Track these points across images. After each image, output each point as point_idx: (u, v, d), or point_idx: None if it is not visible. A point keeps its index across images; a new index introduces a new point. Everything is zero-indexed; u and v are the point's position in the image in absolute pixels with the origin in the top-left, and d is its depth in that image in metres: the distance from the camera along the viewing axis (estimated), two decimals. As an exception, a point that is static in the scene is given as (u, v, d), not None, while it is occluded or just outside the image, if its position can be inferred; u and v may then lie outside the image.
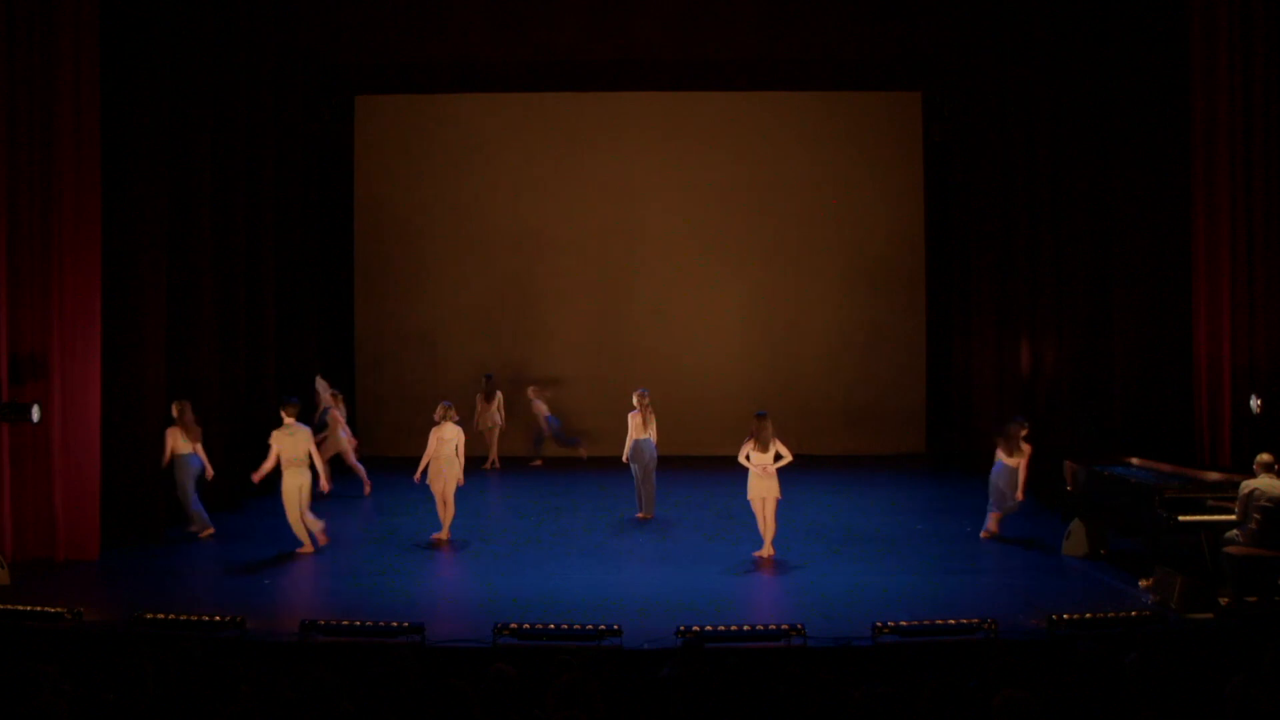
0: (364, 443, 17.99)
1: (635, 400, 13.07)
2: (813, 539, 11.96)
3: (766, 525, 11.24)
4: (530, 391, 17.29)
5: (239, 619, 8.76)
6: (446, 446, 11.99)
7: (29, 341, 10.97)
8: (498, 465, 16.97)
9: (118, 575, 10.88)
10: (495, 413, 17.00)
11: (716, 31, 16.41)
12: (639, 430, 12.99)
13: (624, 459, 13.16)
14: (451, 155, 18.12)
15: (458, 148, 18.14)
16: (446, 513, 12.07)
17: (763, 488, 11.19)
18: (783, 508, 11.37)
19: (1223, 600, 9.19)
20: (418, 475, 12.07)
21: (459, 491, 12.21)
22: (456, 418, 12.16)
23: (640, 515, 13.06)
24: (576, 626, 8.59)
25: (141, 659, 6.55)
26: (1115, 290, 13.02)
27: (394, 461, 16.42)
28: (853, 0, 16.29)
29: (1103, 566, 10.84)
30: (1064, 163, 13.61)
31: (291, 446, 11.36)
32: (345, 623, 8.76)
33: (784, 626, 8.55)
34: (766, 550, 11.23)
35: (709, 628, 8.49)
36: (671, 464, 13.52)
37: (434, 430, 12.00)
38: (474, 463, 15.54)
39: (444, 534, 12.05)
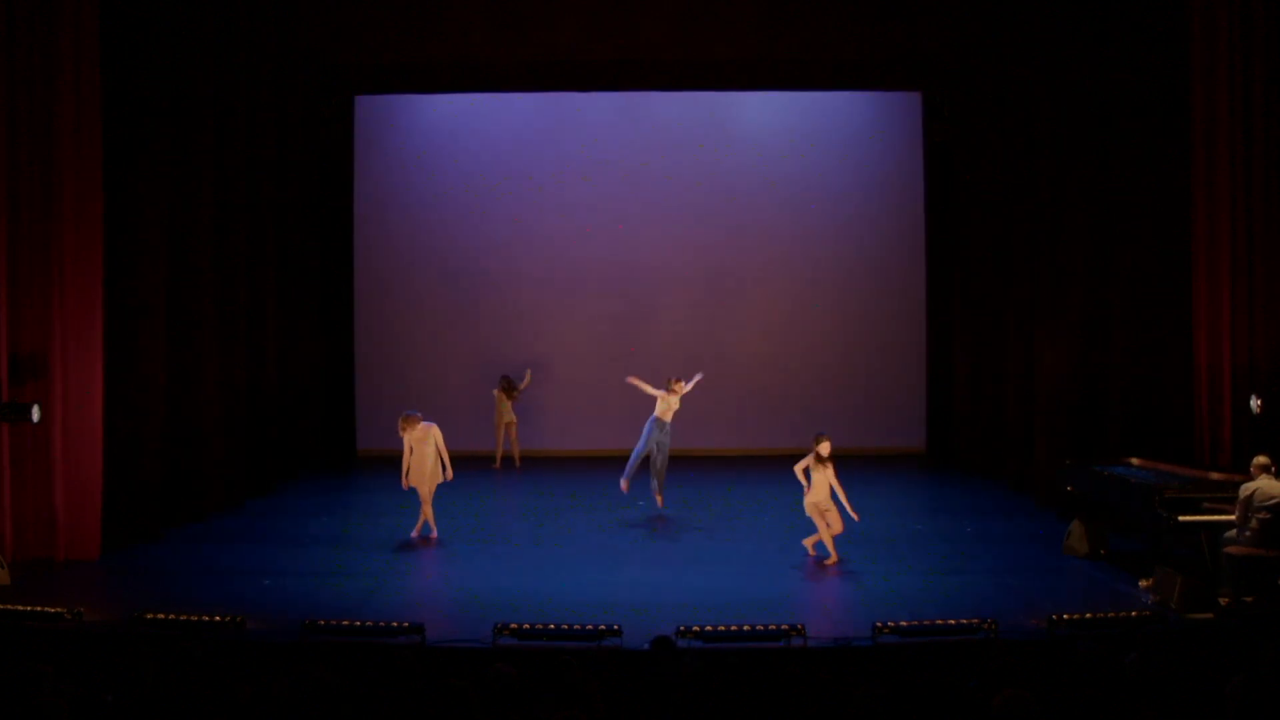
0: (364, 441, 18.06)
1: (666, 391, 13.11)
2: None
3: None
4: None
5: (239, 619, 8.76)
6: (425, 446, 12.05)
7: (29, 341, 10.96)
8: (517, 464, 16.89)
9: (118, 575, 10.87)
10: (511, 410, 16.94)
11: (717, 31, 16.40)
12: (663, 412, 13.03)
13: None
14: (451, 155, 18.12)
15: (458, 148, 18.14)
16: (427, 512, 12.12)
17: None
18: (781, 505, 11.38)
19: (1222, 600, 9.20)
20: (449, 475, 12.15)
21: (461, 490, 12.26)
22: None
23: (656, 496, 13.12)
24: (576, 626, 8.59)
25: (141, 659, 6.56)
26: (1115, 290, 13.01)
27: (394, 460, 16.41)
28: (853, 0, 16.30)
29: (1103, 566, 10.84)
30: (1064, 163, 13.60)
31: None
32: (345, 623, 8.76)
33: (784, 626, 8.54)
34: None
35: (709, 627, 8.49)
36: (672, 462, 13.49)
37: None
38: (487, 462, 15.66)
39: (416, 532, 12.09)
